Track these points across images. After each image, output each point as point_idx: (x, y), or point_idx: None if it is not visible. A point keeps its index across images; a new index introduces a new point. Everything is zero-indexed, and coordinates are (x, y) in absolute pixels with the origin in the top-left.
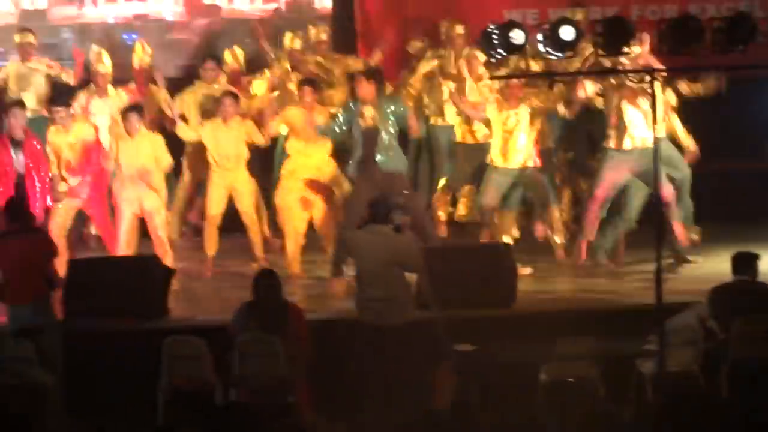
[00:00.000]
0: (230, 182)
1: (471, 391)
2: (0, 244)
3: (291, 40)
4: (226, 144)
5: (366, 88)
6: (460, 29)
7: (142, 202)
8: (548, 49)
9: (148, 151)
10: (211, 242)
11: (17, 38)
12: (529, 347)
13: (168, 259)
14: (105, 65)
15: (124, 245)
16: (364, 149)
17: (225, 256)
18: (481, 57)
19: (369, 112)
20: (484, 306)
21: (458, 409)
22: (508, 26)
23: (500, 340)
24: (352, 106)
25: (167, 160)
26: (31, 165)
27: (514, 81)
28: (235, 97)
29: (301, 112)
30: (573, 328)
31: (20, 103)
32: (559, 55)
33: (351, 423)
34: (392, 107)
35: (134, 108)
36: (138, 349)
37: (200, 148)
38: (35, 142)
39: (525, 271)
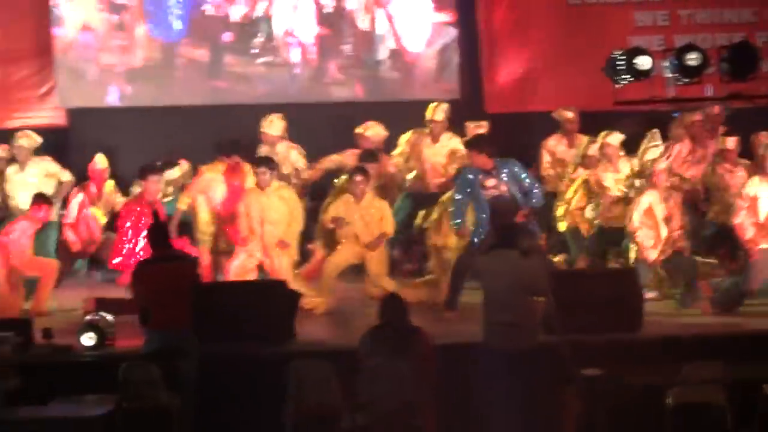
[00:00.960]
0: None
1: (597, 416)
2: (147, 269)
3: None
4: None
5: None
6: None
7: None
8: (675, 74)
9: None
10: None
11: None
12: (656, 371)
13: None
14: None
15: None
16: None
17: (350, 280)
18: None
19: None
20: (610, 330)
21: None
22: (633, 52)
23: (627, 364)
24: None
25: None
26: None
27: None
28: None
29: None
30: (700, 352)
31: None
32: (686, 80)
33: None
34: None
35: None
36: (265, 373)
37: None
38: None
39: (650, 294)
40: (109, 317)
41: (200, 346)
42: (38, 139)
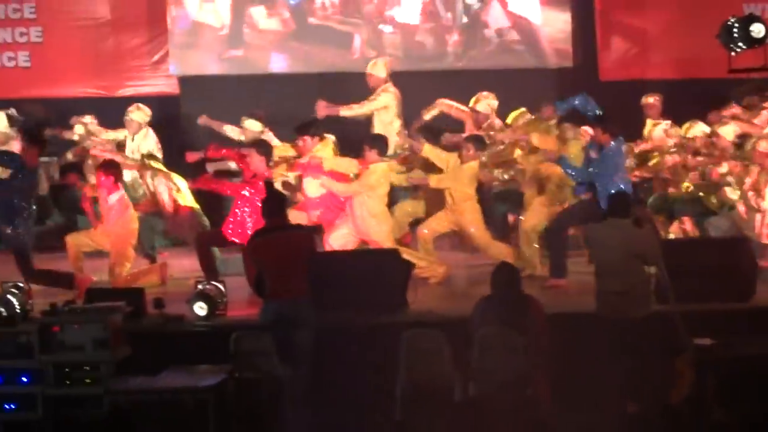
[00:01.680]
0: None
1: (708, 385)
2: (263, 240)
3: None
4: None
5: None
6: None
7: None
8: None
9: None
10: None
11: None
12: None
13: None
14: None
15: None
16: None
17: (460, 249)
18: None
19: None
20: (723, 299)
21: (694, 403)
22: (748, 20)
23: (739, 333)
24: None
25: None
26: None
27: None
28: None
29: None
30: None
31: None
32: None
33: (589, 416)
34: None
35: None
36: (378, 342)
37: None
38: None
39: (764, 263)
40: (221, 287)
41: (315, 316)
42: (149, 112)
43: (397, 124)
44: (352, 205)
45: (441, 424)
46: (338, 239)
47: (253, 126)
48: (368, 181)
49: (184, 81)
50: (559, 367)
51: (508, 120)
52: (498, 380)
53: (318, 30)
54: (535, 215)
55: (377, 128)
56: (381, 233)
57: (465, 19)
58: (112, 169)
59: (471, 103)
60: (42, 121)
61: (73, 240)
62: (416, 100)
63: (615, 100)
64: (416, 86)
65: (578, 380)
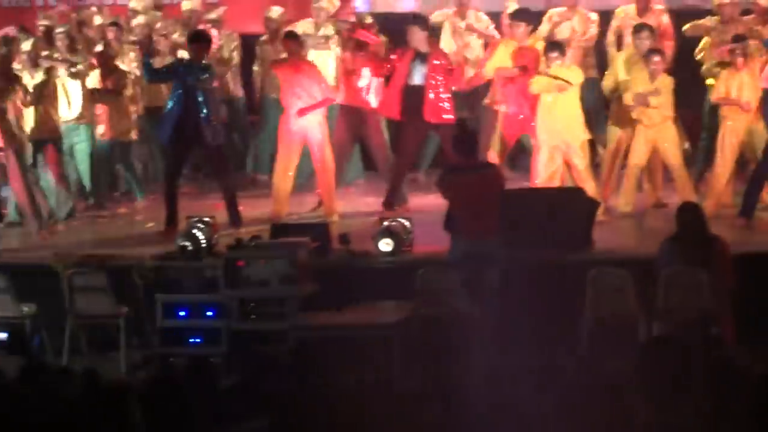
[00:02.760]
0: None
1: None
2: (454, 178)
3: None
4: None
5: None
6: None
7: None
8: None
9: None
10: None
11: None
12: None
13: (591, 191)
14: None
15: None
16: None
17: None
18: None
19: None
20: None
21: None
22: None
23: None
24: None
25: None
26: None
27: None
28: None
29: None
30: None
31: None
32: None
33: None
34: None
35: None
36: (564, 281)
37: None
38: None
39: None
40: (407, 223)
41: (503, 254)
42: (336, 3)
43: None
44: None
45: (625, 361)
46: None
47: None
48: None
49: None
50: (745, 307)
51: None
52: (682, 319)
53: None
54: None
55: None
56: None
57: None
58: None
59: None
60: None
61: None
62: None
63: None
64: None
65: (765, 320)
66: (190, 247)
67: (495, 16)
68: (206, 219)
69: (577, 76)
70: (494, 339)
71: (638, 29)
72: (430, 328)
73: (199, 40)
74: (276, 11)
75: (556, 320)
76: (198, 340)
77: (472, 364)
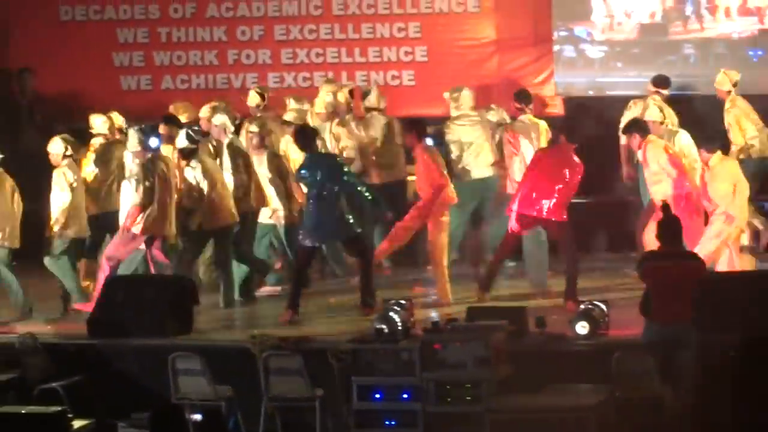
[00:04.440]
0: None
1: None
2: (657, 265)
3: None
4: None
5: None
6: None
7: None
8: None
9: None
10: None
11: None
12: None
13: None
14: None
15: None
16: None
17: None
18: None
19: None
20: None
21: None
22: None
23: None
24: None
25: None
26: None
27: None
28: None
29: None
30: None
31: None
32: None
33: None
34: None
35: None
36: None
37: None
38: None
39: None
40: (603, 306)
41: (698, 338)
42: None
43: None
44: None
45: None
46: None
47: None
48: None
49: (568, 101)
50: None
51: None
52: None
53: None
54: None
55: None
56: None
57: None
58: None
59: None
60: None
61: None
62: None
63: None
64: None
65: None
66: (386, 330)
67: None
68: (402, 301)
69: None
70: (690, 422)
71: None
72: (626, 411)
73: None
74: None
75: (753, 404)
76: (393, 423)
77: None
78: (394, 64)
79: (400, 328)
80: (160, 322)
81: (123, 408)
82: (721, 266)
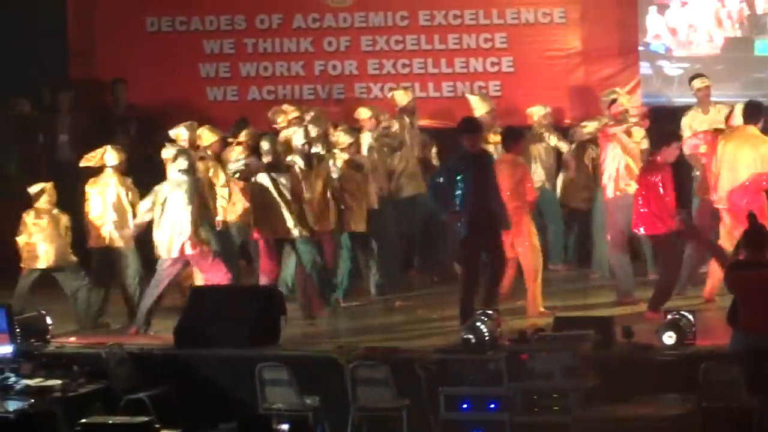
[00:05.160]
0: None
1: None
2: (743, 275)
3: None
4: None
5: None
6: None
7: None
8: None
9: None
10: None
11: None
12: None
13: None
14: None
15: None
16: None
17: None
18: None
19: None
20: None
21: None
22: None
23: None
24: None
25: None
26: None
27: None
28: None
29: None
30: None
31: None
32: None
33: None
34: None
35: None
36: None
37: None
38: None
39: None
40: (690, 316)
41: None
42: None
43: None
44: None
45: None
46: None
47: None
48: None
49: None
50: None
51: None
52: None
53: None
54: None
55: None
56: None
57: None
58: None
59: None
60: None
61: None
62: None
63: None
64: None
65: None
66: (473, 340)
67: None
68: (490, 312)
69: None
70: None
71: None
72: (713, 422)
73: None
74: None
75: None
76: None
77: None
78: (480, 74)
79: (487, 338)
80: (247, 332)
81: (210, 418)
82: None
